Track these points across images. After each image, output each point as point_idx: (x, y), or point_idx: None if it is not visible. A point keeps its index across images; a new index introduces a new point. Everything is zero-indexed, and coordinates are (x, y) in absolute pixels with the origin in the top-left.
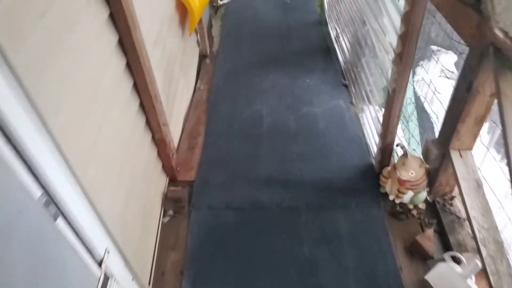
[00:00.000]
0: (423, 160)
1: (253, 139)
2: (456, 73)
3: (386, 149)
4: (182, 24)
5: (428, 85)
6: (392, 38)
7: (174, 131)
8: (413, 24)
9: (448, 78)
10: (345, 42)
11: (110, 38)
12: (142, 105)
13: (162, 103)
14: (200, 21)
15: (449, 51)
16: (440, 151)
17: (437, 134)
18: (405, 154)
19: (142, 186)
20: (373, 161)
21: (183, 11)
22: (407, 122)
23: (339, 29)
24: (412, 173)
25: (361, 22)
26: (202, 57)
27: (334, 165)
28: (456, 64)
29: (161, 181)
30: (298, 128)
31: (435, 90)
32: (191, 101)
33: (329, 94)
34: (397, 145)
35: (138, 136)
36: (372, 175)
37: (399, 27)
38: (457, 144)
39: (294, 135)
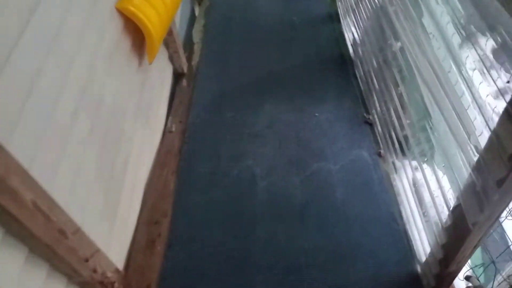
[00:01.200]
0: None
1: (242, 223)
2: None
3: (446, 277)
4: (138, 51)
5: None
6: (470, 126)
7: (127, 218)
8: None
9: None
10: (366, 55)
11: None
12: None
13: (79, 231)
14: (171, 32)
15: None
16: None
17: None
18: None
19: None
20: (419, 269)
21: (137, 33)
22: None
23: (356, 31)
24: None
25: (391, 31)
26: (178, 76)
27: (361, 276)
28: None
29: None
30: (306, 200)
31: None
32: (158, 150)
33: (348, 139)
34: (466, 278)
35: None
36: None
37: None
38: None
39: (300, 213)
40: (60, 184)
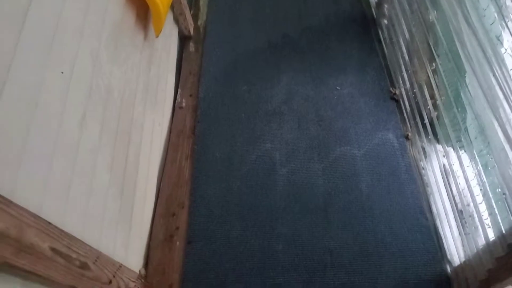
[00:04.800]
0: None
1: (262, 218)
2: None
3: None
4: (143, 23)
5: None
6: None
7: (143, 213)
8: None
9: None
10: (394, 17)
11: None
12: None
13: (100, 256)
14: None
15: None
16: None
17: None
18: None
19: None
20: (449, 271)
21: (140, 1)
22: None
23: None
24: None
25: None
26: (184, 40)
27: (389, 279)
28: None
29: None
30: (329, 192)
31: None
32: (169, 130)
33: (372, 118)
34: None
35: None
36: None
37: None
38: None
39: (324, 208)
40: (74, 210)
